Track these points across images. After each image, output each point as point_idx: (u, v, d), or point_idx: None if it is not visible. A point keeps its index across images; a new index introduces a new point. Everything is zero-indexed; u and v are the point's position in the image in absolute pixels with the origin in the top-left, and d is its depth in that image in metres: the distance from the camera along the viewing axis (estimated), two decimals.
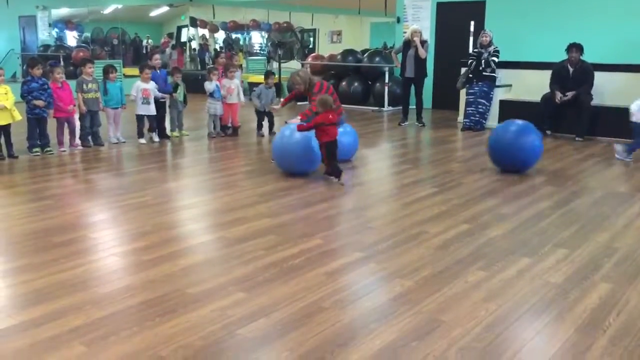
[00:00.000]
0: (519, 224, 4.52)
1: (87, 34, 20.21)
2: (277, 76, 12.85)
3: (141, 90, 7.85)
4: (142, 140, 8.00)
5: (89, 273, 3.53)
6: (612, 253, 3.90)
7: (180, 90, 8.43)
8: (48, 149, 7.17)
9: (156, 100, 8.08)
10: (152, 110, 7.98)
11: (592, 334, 2.79)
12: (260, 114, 8.70)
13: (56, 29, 19.23)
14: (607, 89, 8.70)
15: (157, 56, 8.58)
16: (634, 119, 6.68)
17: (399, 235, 4.23)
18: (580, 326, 2.87)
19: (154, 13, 21.47)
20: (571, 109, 8.50)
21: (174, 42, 20.62)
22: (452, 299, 3.16)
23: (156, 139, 8.15)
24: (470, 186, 5.73)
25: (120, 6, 19.82)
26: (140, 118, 8.01)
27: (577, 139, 8.37)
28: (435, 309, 3.04)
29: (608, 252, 3.91)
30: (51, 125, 7.28)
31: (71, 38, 19.82)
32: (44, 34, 18.58)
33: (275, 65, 14.84)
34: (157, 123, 8.26)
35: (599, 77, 8.50)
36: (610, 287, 3.33)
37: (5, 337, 2.73)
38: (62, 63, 13.51)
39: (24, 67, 14.87)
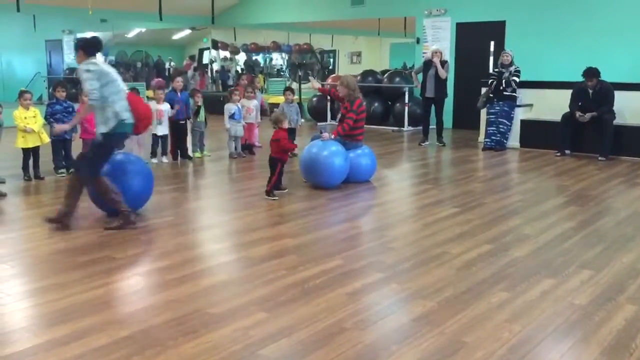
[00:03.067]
0: (542, 244, 4.48)
1: (112, 57, 20.61)
2: (297, 97, 12.94)
3: (156, 112, 7.94)
4: (154, 160, 8.10)
5: (113, 293, 3.57)
6: (637, 274, 3.84)
7: (202, 112, 8.53)
8: (73, 170, 7.26)
9: (177, 122, 8.19)
10: (164, 130, 8.08)
11: (618, 357, 2.75)
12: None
13: None
14: (629, 108, 8.62)
15: (179, 78, 8.50)
16: None
17: (420, 256, 4.21)
18: (605, 349, 2.83)
19: (176, 36, 21.86)
20: (594, 128, 8.43)
21: (196, 64, 20.92)
22: (475, 320, 3.13)
23: (166, 160, 8.16)
24: (492, 206, 5.69)
25: (143, 30, 20.21)
26: (154, 138, 8.13)
27: (600, 158, 8.29)
28: (458, 330, 3.02)
29: (633, 274, 3.85)
30: (77, 146, 7.39)
31: None
32: (70, 58, 18.99)
33: (295, 86, 14.97)
34: (178, 144, 8.36)
35: (620, 96, 8.43)
36: (636, 309, 3.28)
37: (31, 356, 2.76)
38: None
39: (50, 90, 15.15)
